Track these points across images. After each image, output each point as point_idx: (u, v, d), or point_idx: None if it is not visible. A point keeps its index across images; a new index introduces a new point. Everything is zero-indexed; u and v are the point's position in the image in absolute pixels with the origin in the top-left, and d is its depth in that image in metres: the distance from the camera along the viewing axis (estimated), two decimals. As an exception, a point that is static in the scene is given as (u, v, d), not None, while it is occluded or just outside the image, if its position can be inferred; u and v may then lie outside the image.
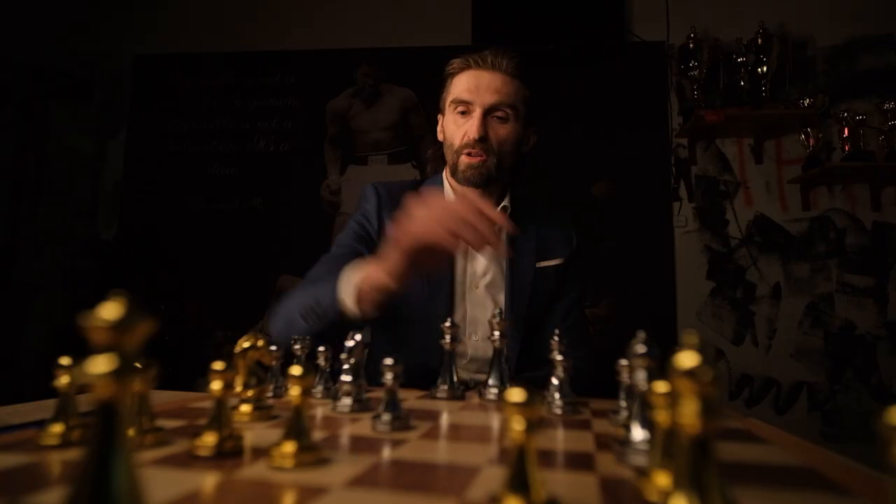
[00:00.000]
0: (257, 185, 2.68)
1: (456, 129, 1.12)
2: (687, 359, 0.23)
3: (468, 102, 1.09)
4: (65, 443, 0.40)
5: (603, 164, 2.50)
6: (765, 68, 2.35)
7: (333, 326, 0.89)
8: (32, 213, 2.78)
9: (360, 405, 0.61)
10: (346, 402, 0.61)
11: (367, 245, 1.12)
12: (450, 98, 1.14)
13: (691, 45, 2.43)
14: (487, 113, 1.08)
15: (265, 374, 0.55)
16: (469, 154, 1.09)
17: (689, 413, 0.23)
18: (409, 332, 1.11)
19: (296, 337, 0.71)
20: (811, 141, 2.29)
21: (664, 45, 2.53)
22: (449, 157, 1.15)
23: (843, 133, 2.31)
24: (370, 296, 0.86)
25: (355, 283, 0.87)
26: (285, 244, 2.60)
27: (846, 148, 2.30)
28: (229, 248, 2.64)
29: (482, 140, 1.08)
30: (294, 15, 2.78)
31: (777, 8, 2.49)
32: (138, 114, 2.80)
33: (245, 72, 2.76)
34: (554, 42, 2.50)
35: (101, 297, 0.20)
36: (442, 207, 0.81)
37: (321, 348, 0.71)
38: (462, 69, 1.13)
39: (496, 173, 1.11)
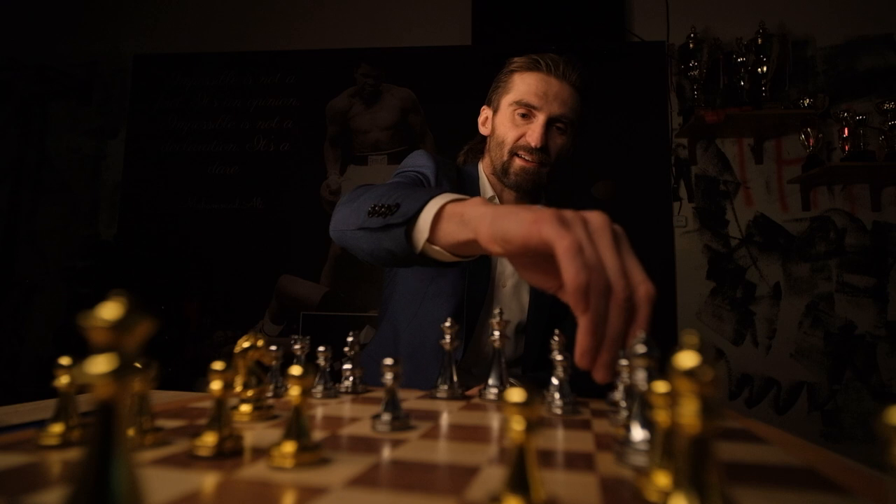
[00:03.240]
0: (257, 185, 2.68)
1: (512, 127, 1.09)
2: (687, 359, 0.23)
3: (534, 107, 1.06)
4: (65, 443, 0.40)
5: (603, 164, 2.50)
6: (765, 68, 2.35)
7: (387, 240, 0.70)
8: (32, 212, 2.78)
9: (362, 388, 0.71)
10: (347, 384, 0.70)
11: None
12: (512, 96, 1.09)
13: (691, 45, 2.43)
14: (550, 122, 1.06)
15: (265, 374, 0.55)
16: (523, 158, 1.07)
17: (689, 413, 0.23)
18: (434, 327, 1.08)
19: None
20: (811, 141, 2.30)
21: (664, 45, 2.53)
22: (496, 154, 1.11)
23: (843, 133, 2.31)
24: (454, 234, 0.63)
25: (447, 205, 0.65)
26: (285, 244, 2.60)
27: (846, 148, 2.30)
28: (229, 248, 2.64)
29: (543, 149, 1.06)
30: (294, 15, 2.78)
31: (777, 8, 2.49)
32: (138, 114, 2.80)
33: (245, 72, 2.76)
34: (554, 42, 2.50)
35: (101, 297, 0.20)
36: (606, 266, 0.50)
37: (321, 348, 0.71)
38: (529, 69, 1.09)
39: (546, 181, 1.10)
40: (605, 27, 2.55)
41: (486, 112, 1.18)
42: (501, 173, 1.11)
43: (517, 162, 1.08)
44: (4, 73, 2.71)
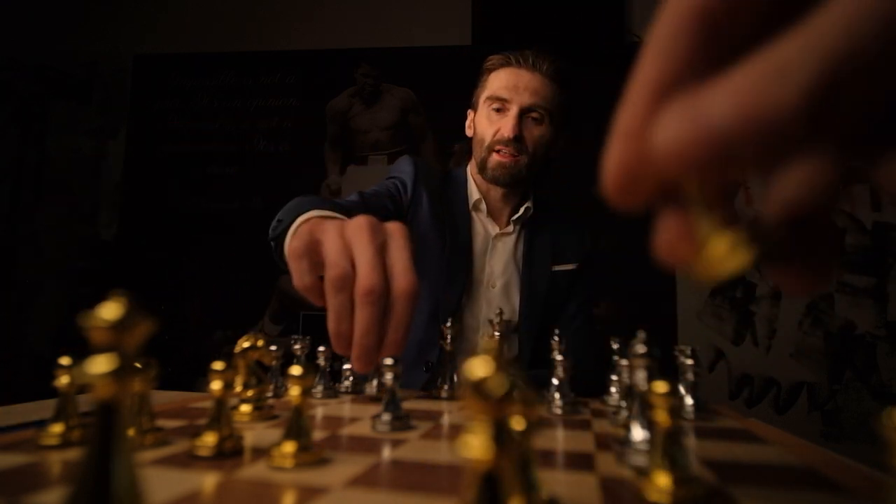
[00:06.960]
0: (257, 185, 2.67)
1: (489, 124, 1.10)
2: (479, 367, 0.18)
3: (505, 100, 1.08)
4: (65, 443, 0.40)
5: (603, 165, 2.49)
6: (765, 68, 2.35)
7: (275, 255, 0.71)
8: (32, 213, 2.78)
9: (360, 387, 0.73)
10: (347, 384, 0.72)
11: (396, 207, 1.10)
12: (486, 94, 1.12)
13: (691, 45, 2.43)
14: (523, 112, 1.07)
15: (265, 374, 0.55)
16: (500, 152, 1.08)
17: (478, 444, 0.17)
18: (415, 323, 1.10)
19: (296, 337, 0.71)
20: (811, 141, 2.29)
21: (664, 45, 2.53)
22: (478, 153, 1.13)
23: (843, 133, 2.31)
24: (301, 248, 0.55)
25: (308, 219, 0.60)
26: (285, 244, 2.59)
27: (846, 148, 2.30)
28: (229, 248, 2.64)
29: (517, 139, 1.07)
30: (294, 15, 2.78)
31: (777, 8, 2.49)
32: (138, 114, 2.80)
33: (245, 72, 2.76)
34: (553, 42, 2.50)
35: (101, 297, 0.20)
36: (356, 262, 0.49)
37: (321, 348, 0.71)
38: (501, 66, 1.11)
39: (525, 174, 1.10)
40: (605, 27, 2.55)
41: (470, 115, 1.20)
42: (481, 170, 1.13)
43: (494, 157, 1.09)
44: (4, 73, 2.71)
